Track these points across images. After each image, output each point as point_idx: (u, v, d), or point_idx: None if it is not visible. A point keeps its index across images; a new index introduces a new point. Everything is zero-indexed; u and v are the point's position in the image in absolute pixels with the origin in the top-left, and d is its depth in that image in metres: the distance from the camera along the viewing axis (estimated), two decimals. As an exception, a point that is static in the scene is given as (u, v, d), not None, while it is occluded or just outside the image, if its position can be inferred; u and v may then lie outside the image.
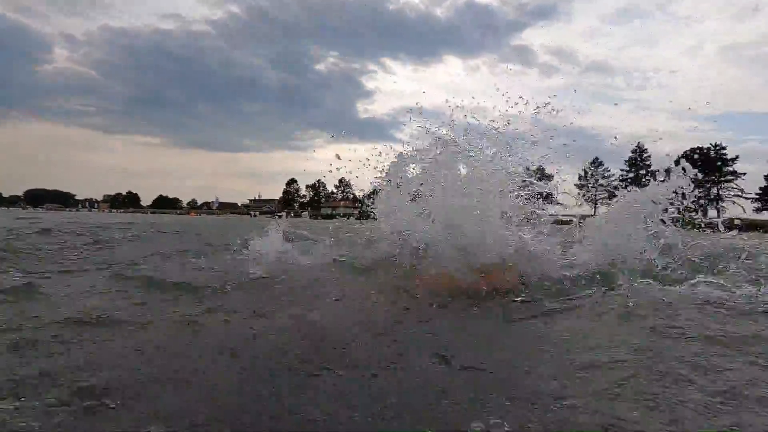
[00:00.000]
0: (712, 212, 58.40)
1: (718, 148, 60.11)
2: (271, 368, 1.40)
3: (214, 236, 6.49)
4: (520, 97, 3.94)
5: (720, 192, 59.76)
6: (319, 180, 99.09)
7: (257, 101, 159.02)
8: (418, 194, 3.77)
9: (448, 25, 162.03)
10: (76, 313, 2.14)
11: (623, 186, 67.84)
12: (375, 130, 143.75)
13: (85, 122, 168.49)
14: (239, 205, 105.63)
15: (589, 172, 66.56)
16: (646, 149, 64.37)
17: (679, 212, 3.50)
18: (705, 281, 2.84)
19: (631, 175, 64.02)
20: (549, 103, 4.01)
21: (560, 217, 4.06)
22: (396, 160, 3.98)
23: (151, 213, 69.89)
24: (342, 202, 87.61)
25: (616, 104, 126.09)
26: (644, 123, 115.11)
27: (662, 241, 3.52)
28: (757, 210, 56.78)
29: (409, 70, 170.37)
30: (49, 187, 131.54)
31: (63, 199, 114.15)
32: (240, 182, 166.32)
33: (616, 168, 68.40)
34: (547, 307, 2.47)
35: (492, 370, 1.45)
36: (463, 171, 3.71)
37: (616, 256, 3.51)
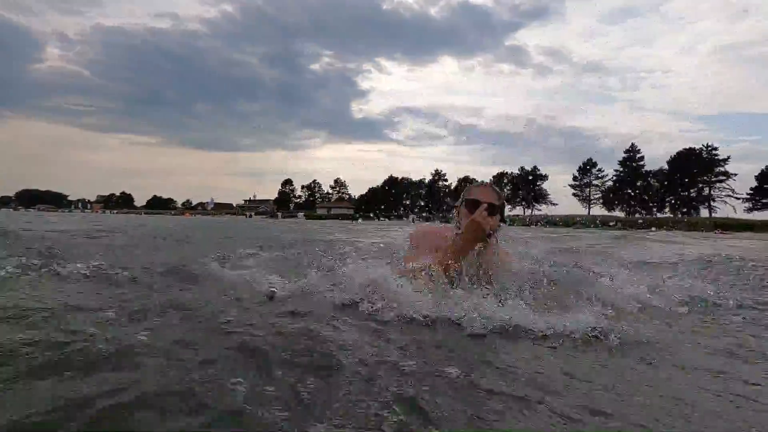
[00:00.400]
0: (704, 212, 59.04)
1: (710, 148, 60.82)
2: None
3: (197, 246, 5.01)
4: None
5: (711, 192, 60.42)
6: (314, 180, 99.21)
7: (252, 101, 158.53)
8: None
9: (443, 25, 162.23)
10: None
11: (616, 187, 68.31)
12: (370, 129, 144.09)
13: (79, 122, 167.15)
14: (234, 205, 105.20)
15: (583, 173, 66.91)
16: (639, 149, 64.98)
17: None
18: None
19: (624, 175, 64.43)
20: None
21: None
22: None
23: (145, 214, 69.44)
24: (337, 203, 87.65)
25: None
26: (638, 124, 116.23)
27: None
28: (749, 210, 57.53)
29: (405, 70, 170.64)
30: (42, 187, 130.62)
31: (56, 200, 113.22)
32: (235, 182, 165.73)
33: (609, 168, 69.01)
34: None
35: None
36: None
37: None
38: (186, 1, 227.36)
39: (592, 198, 67.31)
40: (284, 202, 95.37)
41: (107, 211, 78.66)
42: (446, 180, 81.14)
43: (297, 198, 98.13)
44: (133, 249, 4.29)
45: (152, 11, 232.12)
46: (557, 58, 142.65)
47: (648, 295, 2.10)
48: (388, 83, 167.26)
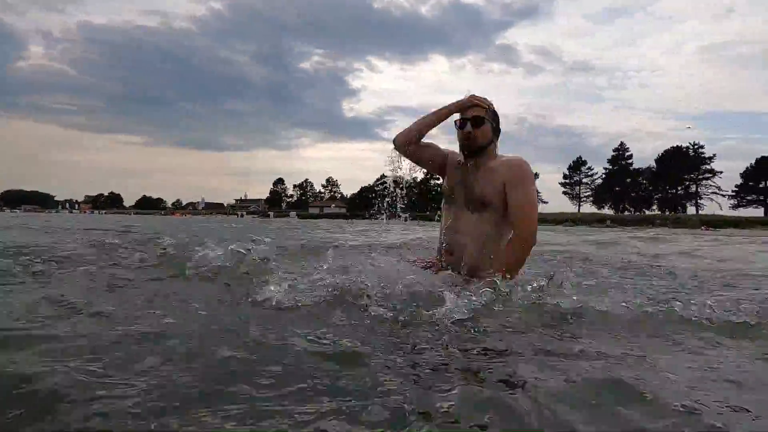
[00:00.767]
0: (691, 209, 60.00)
1: (696, 146, 61.80)
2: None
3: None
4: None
5: (698, 189, 61.44)
6: (306, 179, 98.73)
7: (242, 99, 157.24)
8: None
9: (434, 24, 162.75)
10: None
11: (606, 185, 68.65)
12: (361, 128, 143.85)
13: (65, 121, 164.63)
14: (225, 205, 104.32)
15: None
16: (627, 148, 65.80)
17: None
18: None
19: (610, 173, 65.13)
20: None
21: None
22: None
23: (135, 214, 68.55)
24: (330, 202, 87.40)
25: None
26: (627, 122, 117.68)
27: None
28: (734, 207, 58.64)
29: (396, 69, 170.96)
30: (28, 188, 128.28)
31: (43, 201, 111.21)
32: (226, 182, 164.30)
33: (599, 166, 69.79)
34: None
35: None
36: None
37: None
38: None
39: (582, 196, 68.03)
40: (276, 202, 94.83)
41: (96, 212, 77.54)
42: (437, 178, 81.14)
43: (289, 197, 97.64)
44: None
45: (140, 9, 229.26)
46: (547, 57, 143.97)
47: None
48: (380, 82, 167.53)
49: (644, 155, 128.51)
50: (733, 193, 59.31)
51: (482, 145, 2.00)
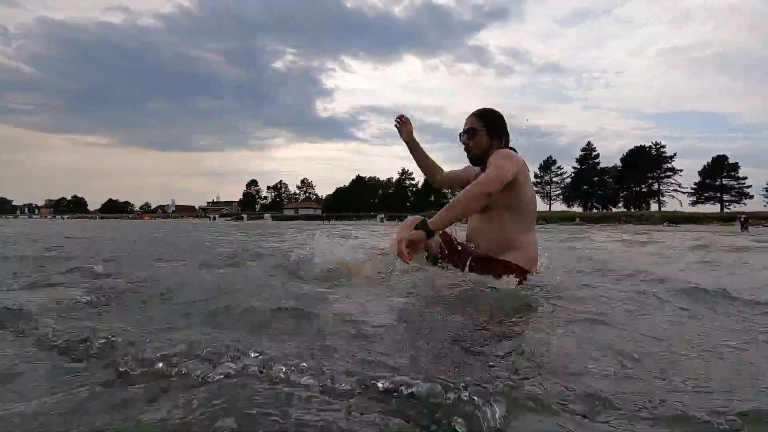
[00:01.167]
0: (654, 206, 62.79)
1: (658, 146, 64.73)
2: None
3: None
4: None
5: (660, 187, 64.43)
6: (280, 180, 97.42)
7: (213, 98, 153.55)
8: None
9: (407, 25, 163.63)
10: None
11: (575, 183, 70.70)
12: (336, 128, 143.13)
13: (23, 121, 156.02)
14: (197, 207, 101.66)
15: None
16: (594, 147, 68.22)
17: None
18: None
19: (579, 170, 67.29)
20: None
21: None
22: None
23: (100, 218, 65.83)
24: (305, 203, 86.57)
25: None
26: (594, 122, 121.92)
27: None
28: (693, 203, 61.78)
29: (369, 69, 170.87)
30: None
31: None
32: (197, 183, 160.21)
33: (568, 165, 72.09)
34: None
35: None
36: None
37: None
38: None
39: (552, 195, 70.07)
40: (250, 204, 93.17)
41: (57, 216, 73.94)
42: (413, 179, 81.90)
43: (263, 199, 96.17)
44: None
45: (102, 5, 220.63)
46: (517, 58, 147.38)
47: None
48: (353, 82, 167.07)
49: (610, 153, 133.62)
50: (693, 191, 62.52)
51: (478, 154, 2.15)
